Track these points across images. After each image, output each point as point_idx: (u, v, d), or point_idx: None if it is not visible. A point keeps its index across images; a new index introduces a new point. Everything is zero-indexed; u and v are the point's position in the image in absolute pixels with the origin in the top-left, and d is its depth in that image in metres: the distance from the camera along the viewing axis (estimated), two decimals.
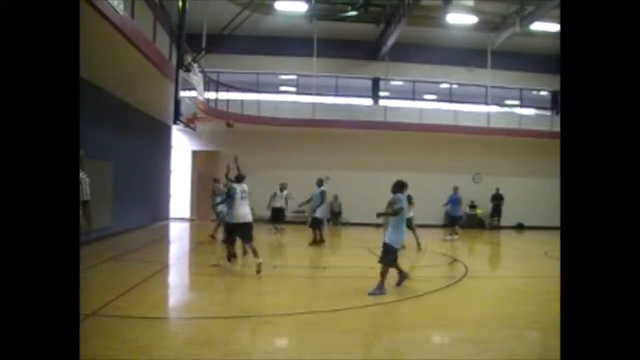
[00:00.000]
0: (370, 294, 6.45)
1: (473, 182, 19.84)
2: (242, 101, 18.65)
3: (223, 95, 18.16)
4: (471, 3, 15.91)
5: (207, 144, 19.01)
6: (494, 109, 20.86)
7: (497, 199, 19.51)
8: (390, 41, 17.90)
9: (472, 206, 19.68)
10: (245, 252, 9.04)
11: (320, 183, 12.58)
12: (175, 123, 12.68)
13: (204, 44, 14.19)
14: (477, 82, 20.51)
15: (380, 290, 6.53)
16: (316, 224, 12.32)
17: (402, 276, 7.05)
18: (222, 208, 11.26)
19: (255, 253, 8.05)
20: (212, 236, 12.44)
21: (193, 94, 13.05)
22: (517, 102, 21.95)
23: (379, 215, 7.02)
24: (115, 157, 12.22)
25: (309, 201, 13.20)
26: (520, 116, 20.85)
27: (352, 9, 17.61)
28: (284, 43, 19.11)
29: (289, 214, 15.95)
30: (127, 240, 11.97)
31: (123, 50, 9.18)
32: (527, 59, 19.80)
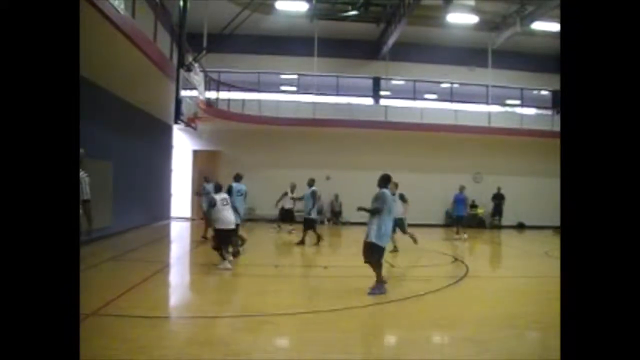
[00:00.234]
0: (370, 293, 6.42)
1: (473, 181, 19.82)
2: (243, 101, 18.68)
3: (224, 95, 18.18)
4: (472, 3, 15.87)
5: (208, 143, 19.03)
6: (494, 108, 20.86)
7: (498, 198, 19.50)
8: (391, 41, 17.90)
9: (473, 206, 19.64)
10: (237, 254, 9.13)
11: (311, 183, 12.43)
12: (176, 122, 12.72)
13: (204, 44, 14.20)
14: (477, 82, 20.49)
15: (379, 289, 6.49)
16: (310, 224, 12.21)
17: (380, 285, 6.52)
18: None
19: (234, 255, 8.47)
20: (204, 237, 12.39)
21: (194, 93, 13.08)
22: (517, 102, 21.94)
23: (359, 209, 6.96)
24: (115, 157, 12.19)
25: (300, 199, 13.15)
26: (521, 116, 20.86)
27: (353, 9, 17.61)
28: (285, 43, 19.10)
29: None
30: (127, 240, 11.96)
31: (124, 50, 9.20)
32: (528, 58, 19.79)
